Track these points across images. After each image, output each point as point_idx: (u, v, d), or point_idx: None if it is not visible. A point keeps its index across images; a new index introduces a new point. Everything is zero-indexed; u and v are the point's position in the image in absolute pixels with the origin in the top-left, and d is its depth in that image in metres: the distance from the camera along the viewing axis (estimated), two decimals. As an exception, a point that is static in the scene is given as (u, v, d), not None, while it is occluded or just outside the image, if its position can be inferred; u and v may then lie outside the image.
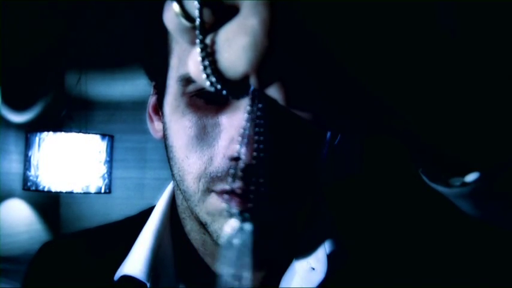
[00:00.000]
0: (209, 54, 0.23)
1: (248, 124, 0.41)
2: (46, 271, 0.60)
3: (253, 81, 0.23)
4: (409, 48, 0.23)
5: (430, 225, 0.51)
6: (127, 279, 0.52)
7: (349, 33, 0.22)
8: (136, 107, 2.25)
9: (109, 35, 2.28)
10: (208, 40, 0.23)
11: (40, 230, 2.28)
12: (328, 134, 0.49)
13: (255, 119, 0.41)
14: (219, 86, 0.24)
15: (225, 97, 0.44)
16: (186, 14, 0.23)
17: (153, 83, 0.54)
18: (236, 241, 0.28)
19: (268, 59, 0.22)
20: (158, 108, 0.53)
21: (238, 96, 0.24)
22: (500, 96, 0.25)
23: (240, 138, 0.41)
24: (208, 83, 0.24)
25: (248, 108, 0.28)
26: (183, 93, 0.45)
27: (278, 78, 0.23)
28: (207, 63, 0.23)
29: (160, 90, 0.50)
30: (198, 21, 0.23)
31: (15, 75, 2.05)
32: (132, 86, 2.26)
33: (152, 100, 0.55)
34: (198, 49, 0.23)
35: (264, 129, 0.42)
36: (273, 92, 0.24)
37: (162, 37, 0.47)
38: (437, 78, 0.24)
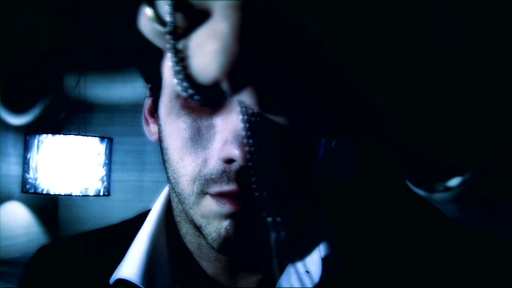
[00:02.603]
0: (181, 60, 0.23)
1: (243, 126, 0.41)
2: (42, 274, 0.60)
3: (225, 87, 0.23)
4: (399, 50, 0.23)
5: (423, 228, 0.50)
6: (122, 282, 0.52)
7: (333, 37, 0.22)
8: (135, 109, 2.25)
9: (108, 38, 2.28)
10: (180, 45, 0.23)
11: (39, 232, 2.28)
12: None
13: (248, 121, 0.41)
14: (191, 91, 0.24)
15: (220, 99, 0.44)
16: (159, 19, 0.23)
17: (149, 86, 0.54)
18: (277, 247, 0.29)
19: (240, 63, 0.21)
20: (154, 111, 0.53)
21: (212, 101, 0.24)
22: (484, 102, 0.25)
23: (234, 141, 0.41)
24: (180, 88, 0.24)
25: (242, 110, 0.28)
26: (178, 95, 0.46)
27: (251, 83, 0.23)
28: (178, 68, 0.23)
29: (155, 92, 0.51)
30: (169, 26, 0.23)
31: (14, 77, 2.05)
32: (131, 89, 2.26)
33: (148, 102, 0.55)
34: (170, 54, 0.23)
35: (258, 132, 0.42)
36: (246, 96, 0.24)
37: None
38: (425, 83, 0.24)
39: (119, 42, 2.17)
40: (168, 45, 0.23)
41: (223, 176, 0.43)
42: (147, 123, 0.56)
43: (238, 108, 0.42)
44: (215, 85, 0.23)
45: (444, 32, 0.24)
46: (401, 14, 0.23)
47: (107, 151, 1.90)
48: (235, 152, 0.41)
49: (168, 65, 0.24)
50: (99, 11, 2.31)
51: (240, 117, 0.42)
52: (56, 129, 2.15)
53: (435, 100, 0.25)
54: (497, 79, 0.25)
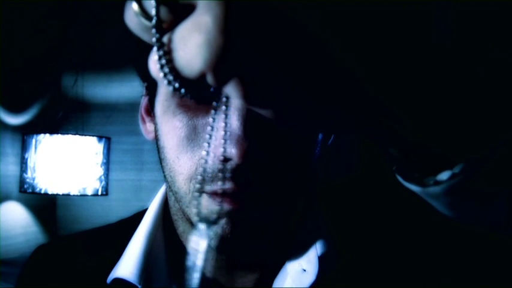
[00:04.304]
0: (166, 53, 0.23)
1: (239, 124, 0.41)
2: (39, 274, 0.60)
3: (209, 79, 0.23)
4: (393, 42, 0.23)
5: (420, 226, 0.50)
6: (119, 281, 0.52)
7: (322, 29, 0.22)
8: (133, 108, 2.24)
9: (105, 37, 2.27)
10: (165, 39, 0.23)
11: (37, 232, 2.28)
12: (320, 134, 0.49)
13: (245, 120, 0.41)
14: (176, 85, 0.24)
15: (216, 97, 0.44)
16: (145, 13, 0.23)
17: (145, 84, 0.54)
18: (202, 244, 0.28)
19: (224, 56, 0.21)
20: (150, 109, 0.53)
21: (198, 94, 0.24)
22: (475, 94, 0.25)
23: (230, 139, 0.41)
24: (166, 82, 0.24)
25: (217, 106, 0.28)
26: (174, 94, 0.45)
27: (236, 75, 0.23)
28: (163, 61, 0.23)
29: (151, 91, 0.50)
30: (154, 20, 0.23)
31: (12, 77, 2.05)
32: (129, 88, 2.26)
33: (144, 101, 0.55)
34: (155, 48, 0.23)
35: (254, 130, 0.42)
36: (231, 89, 0.24)
37: None
38: (419, 75, 0.24)
39: (116, 42, 2.17)
40: (153, 39, 0.23)
41: (219, 174, 0.43)
42: (144, 122, 0.56)
43: (235, 107, 0.42)
44: (200, 78, 0.23)
45: (440, 25, 0.24)
46: (396, 6, 0.23)
47: (105, 150, 1.89)
48: (231, 151, 0.41)
49: (153, 59, 0.24)
50: (96, 11, 2.31)
51: (237, 115, 0.42)
52: (53, 128, 2.15)
53: (427, 92, 0.25)
54: (489, 72, 0.25)
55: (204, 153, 0.28)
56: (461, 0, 0.24)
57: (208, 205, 0.45)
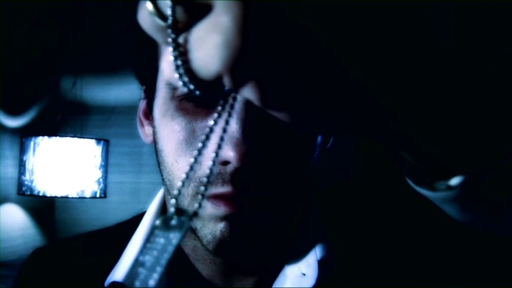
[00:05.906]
0: (182, 54, 0.23)
1: (238, 127, 0.41)
2: (36, 277, 0.60)
3: (226, 81, 0.22)
4: (397, 45, 0.23)
5: (421, 230, 0.50)
6: (117, 285, 0.52)
7: (335, 32, 0.22)
8: (131, 111, 2.23)
9: (104, 40, 2.27)
10: (181, 39, 0.23)
11: (35, 234, 2.27)
12: (320, 137, 0.49)
13: (244, 123, 0.41)
14: (191, 86, 0.23)
15: (214, 100, 0.44)
16: (159, 13, 0.23)
17: (144, 87, 0.54)
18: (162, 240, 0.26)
19: (242, 57, 0.21)
20: (148, 113, 0.53)
21: (213, 96, 0.24)
22: (486, 99, 0.25)
23: (229, 142, 0.41)
24: (180, 83, 0.23)
25: (219, 108, 0.27)
26: (173, 97, 0.45)
27: (253, 78, 0.23)
28: (179, 62, 0.23)
29: (150, 94, 0.50)
30: (170, 19, 0.22)
31: (10, 79, 2.04)
32: (128, 90, 2.26)
33: (143, 104, 0.55)
34: (170, 48, 0.23)
35: (253, 134, 0.41)
36: (248, 91, 0.23)
37: (152, 41, 0.47)
38: (426, 79, 0.24)
39: (115, 45, 2.17)
40: (168, 40, 0.23)
41: (218, 178, 0.43)
42: (142, 125, 0.56)
43: (234, 111, 0.42)
44: (216, 79, 0.22)
45: (442, 27, 0.24)
46: (399, 9, 0.23)
47: (104, 153, 1.89)
48: (230, 154, 0.41)
49: (167, 60, 0.23)
50: (95, 14, 2.31)
51: (236, 119, 0.42)
52: (52, 131, 2.15)
53: (436, 96, 0.24)
54: (499, 76, 0.25)
55: (195, 153, 0.28)
56: (462, 0, 0.24)
57: (206, 209, 0.45)
